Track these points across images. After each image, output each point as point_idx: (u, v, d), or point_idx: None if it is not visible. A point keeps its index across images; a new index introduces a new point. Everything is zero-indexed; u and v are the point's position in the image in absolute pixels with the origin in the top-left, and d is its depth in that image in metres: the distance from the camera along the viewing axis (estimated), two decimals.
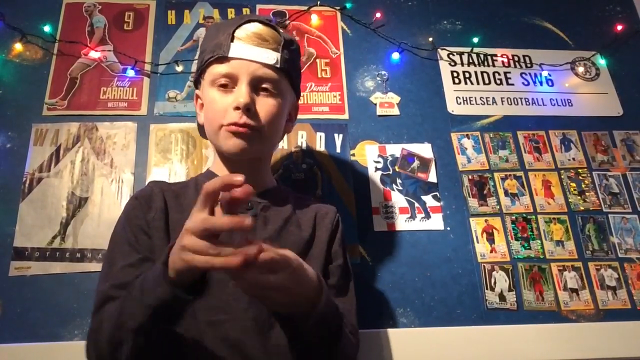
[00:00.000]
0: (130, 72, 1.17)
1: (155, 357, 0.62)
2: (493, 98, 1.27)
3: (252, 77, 0.73)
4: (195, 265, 0.48)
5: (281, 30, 0.78)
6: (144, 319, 0.54)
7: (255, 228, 0.73)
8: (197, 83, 0.83)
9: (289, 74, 0.79)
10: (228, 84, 0.74)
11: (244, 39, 0.75)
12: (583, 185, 1.18)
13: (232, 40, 0.74)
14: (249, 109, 0.72)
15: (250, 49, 0.74)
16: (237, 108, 0.71)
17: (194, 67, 1.16)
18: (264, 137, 0.75)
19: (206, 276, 0.54)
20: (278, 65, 0.75)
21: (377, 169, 1.15)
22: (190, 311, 0.55)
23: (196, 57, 1.11)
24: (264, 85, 0.75)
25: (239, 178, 0.48)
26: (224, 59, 0.74)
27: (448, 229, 1.11)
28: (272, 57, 0.75)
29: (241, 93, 0.72)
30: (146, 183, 0.94)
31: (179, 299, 0.52)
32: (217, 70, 0.75)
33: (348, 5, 1.30)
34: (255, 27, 0.76)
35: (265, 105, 0.74)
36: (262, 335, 0.65)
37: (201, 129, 0.86)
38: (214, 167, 0.83)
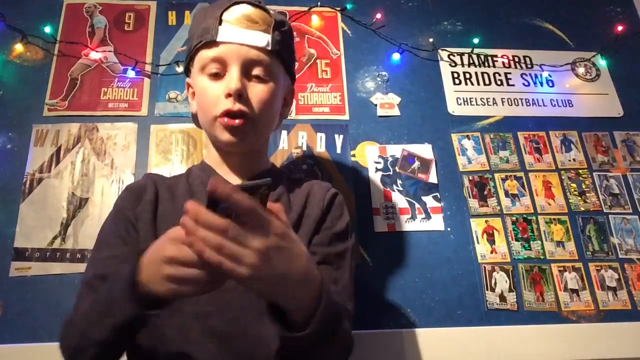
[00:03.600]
0: (131, 73, 1.17)
1: (140, 353, 0.62)
2: (493, 99, 1.27)
3: (243, 61, 0.71)
4: (185, 294, 0.46)
5: (272, 11, 0.75)
6: (108, 333, 0.52)
7: None
8: (187, 71, 0.80)
9: (281, 57, 0.75)
10: (219, 72, 0.71)
11: (233, 22, 0.72)
12: (583, 186, 1.18)
13: (220, 24, 0.71)
14: (240, 95, 0.69)
15: (240, 32, 0.71)
16: (229, 95, 0.69)
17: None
18: (258, 126, 0.73)
19: None
20: (269, 48, 0.72)
21: (377, 170, 1.15)
22: (175, 304, 0.52)
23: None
24: (255, 72, 0.72)
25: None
26: (212, 43, 0.71)
27: (448, 229, 1.11)
28: (262, 39, 0.71)
29: (232, 79, 0.69)
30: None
31: (148, 315, 0.50)
32: (206, 55, 0.72)
33: (348, 6, 1.30)
34: (243, 9, 0.73)
35: (258, 92, 0.71)
36: (250, 327, 0.63)
37: (195, 117, 0.82)
38: (208, 157, 0.81)
